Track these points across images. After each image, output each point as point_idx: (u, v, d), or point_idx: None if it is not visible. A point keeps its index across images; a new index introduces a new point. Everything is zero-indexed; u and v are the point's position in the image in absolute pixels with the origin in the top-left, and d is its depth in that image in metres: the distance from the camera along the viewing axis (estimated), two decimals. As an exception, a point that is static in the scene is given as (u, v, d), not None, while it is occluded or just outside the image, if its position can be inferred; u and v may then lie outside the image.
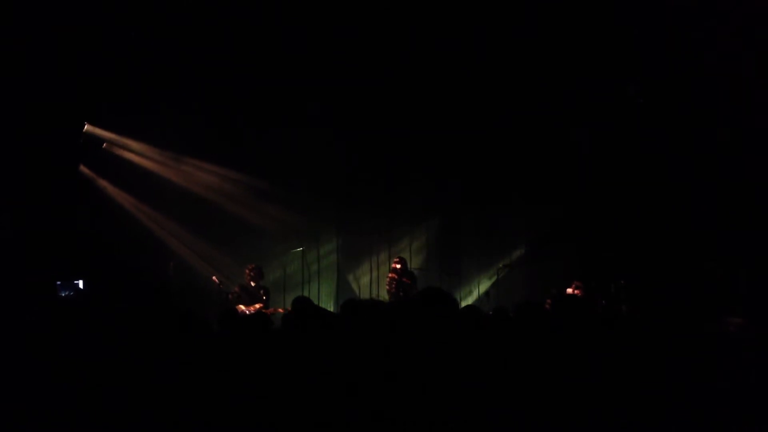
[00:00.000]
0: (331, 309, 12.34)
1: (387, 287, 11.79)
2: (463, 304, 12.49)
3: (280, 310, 10.72)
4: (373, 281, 13.53)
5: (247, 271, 11.32)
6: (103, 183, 12.33)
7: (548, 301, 10.25)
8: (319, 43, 11.78)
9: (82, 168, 12.11)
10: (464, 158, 13.09)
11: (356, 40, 11.78)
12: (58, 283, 9.80)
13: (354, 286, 13.82)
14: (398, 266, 11.77)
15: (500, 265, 12.76)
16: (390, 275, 11.83)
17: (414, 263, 12.87)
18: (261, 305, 10.92)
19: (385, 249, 13.62)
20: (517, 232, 13.33)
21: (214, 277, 11.47)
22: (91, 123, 12.08)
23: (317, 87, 12.32)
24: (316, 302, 12.93)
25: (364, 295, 13.37)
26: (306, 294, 12.96)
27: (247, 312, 10.60)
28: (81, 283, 9.88)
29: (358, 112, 12.78)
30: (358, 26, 11.60)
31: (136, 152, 12.56)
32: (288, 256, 13.14)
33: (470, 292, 13.39)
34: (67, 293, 9.40)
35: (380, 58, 12.05)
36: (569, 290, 10.60)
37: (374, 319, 4.22)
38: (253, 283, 11.23)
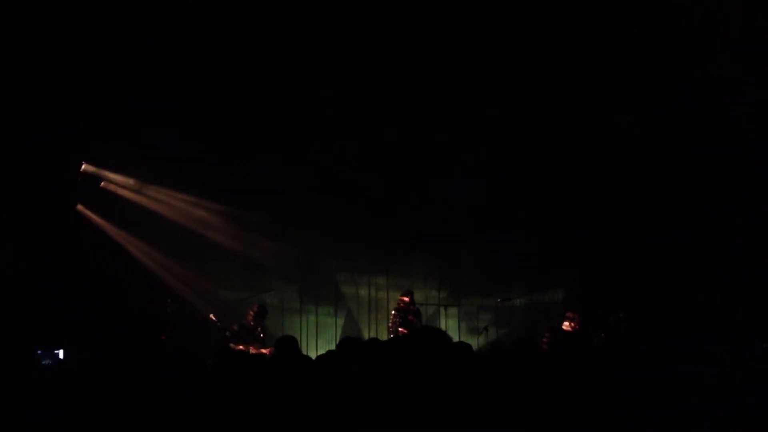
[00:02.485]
0: (333, 344, 12.28)
1: (390, 324, 11.59)
2: (463, 338, 12.44)
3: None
4: (372, 315, 13.50)
5: (251, 312, 11.34)
6: (101, 221, 12.37)
7: (546, 335, 10.25)
8: (307, 74, 11.80)
9: (80, 207, 12.16)
10: (463, 190, 13.10)
11: (339, 68, 11.77)
12: (39, 352, 9.74)
13: (354, 319, 13.78)
14: (403, 304, 11.57)
15: (498, 300, 12.72)
16: (394, 311, 11.63)
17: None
18: (260, 344, 10.92)
19: (383, 282, 13.60)
20: (516, 263, 13.29)
21: (211, 315, 11.44)
22: (89, 162, 12.15)
23: (312, 119, 12.39)
24: (314, 338, 13.11)
25: (363, 328, 13.35)
26: (305, 327, 13.02)
27: (246, 350, 10.58)
28: (61, 353, 9.82)
29: (354, 142, 12.81)
30: (342, 52, 11.59)
31: (131, 189, 12.62)
32: (285, 291, 13.19)
33: (469, 326, 13.33)
34: (47, 362, 9.31)
35: (371, 84, 12.04)
36: (565, 324, 10.56)
37: (372, 358, 4.24)
38: (253, 323, 11.24)
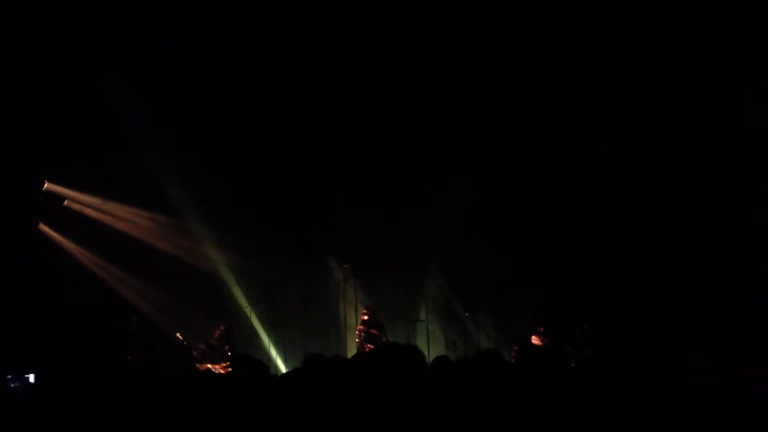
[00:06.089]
0: (298, 360, 12.19)
1: (356, 339, 11.65)
2: (431, 353, 12.43)
3: None
4: (341, 331, 13.46)
5: (217, 332, 11.24)
6: (63, 240, 12.19)
7: (515, 348, 10.27)
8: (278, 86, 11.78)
9: (42, 226, 11.98)
10: (430, 206, 13.13)
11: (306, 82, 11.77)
12: (9, 376, 9.60)
13: (321, 335, 13.72)
14: (366, 317, 11.66)
15: (466, 314, 12.73)
16: (359, 327, 11.70)
17: (381, 312, 12.79)
18: (227, 363, 10.80)
19: (352, 298, 13.56)
20: (483, 278, 13.32)
21: (178, 334, 11.32)
22: (51, 180, 12.00)
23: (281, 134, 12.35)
24: (282, 353, 13.03)
25: (332, 343, 13.28)
26: (274, 341, 12.94)
27: (214, 370, 10.48)
28: (32, 377, 9.69)
29: (326, 155, 12.79)
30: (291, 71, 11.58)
31: (95, 207, 12.47)
32: (254, 306, 13.11)
33: (437, 341, 13.31)
34: (16, 385, 9.18)
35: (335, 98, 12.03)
36: (534, 338, 10.59)
37: (337, 374, 4.21)
38: (220, 342, 11.14)
